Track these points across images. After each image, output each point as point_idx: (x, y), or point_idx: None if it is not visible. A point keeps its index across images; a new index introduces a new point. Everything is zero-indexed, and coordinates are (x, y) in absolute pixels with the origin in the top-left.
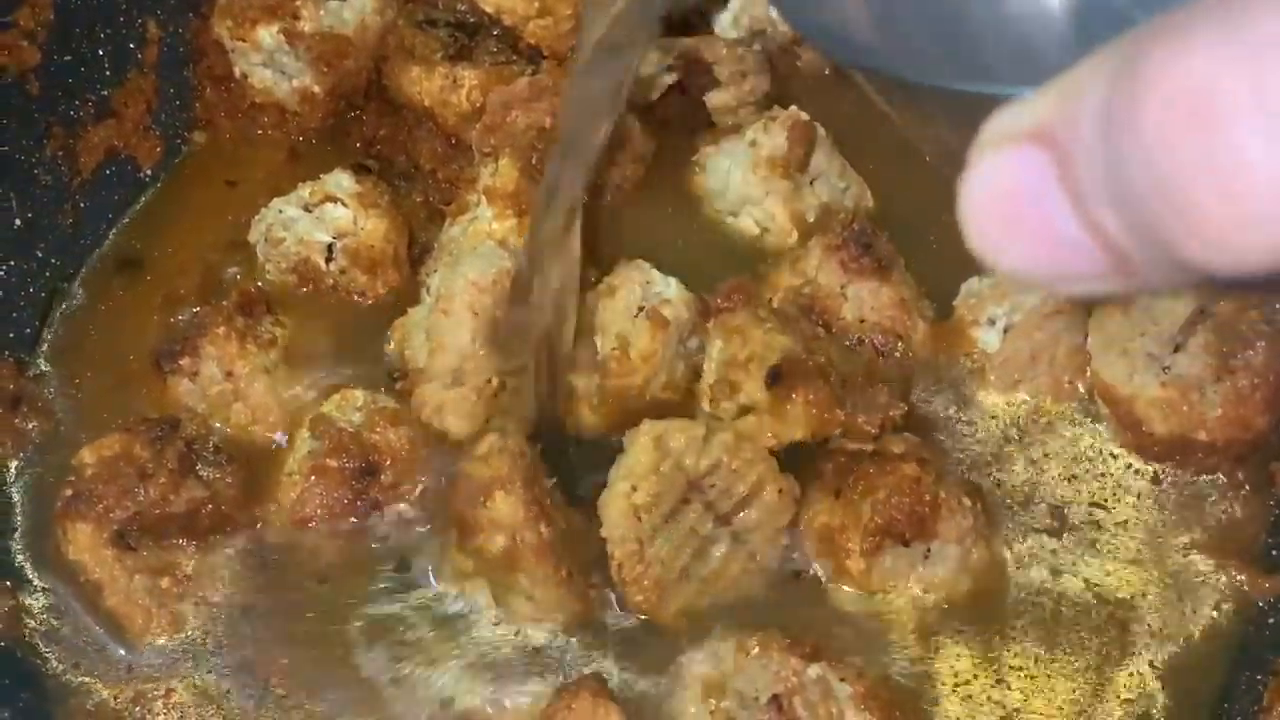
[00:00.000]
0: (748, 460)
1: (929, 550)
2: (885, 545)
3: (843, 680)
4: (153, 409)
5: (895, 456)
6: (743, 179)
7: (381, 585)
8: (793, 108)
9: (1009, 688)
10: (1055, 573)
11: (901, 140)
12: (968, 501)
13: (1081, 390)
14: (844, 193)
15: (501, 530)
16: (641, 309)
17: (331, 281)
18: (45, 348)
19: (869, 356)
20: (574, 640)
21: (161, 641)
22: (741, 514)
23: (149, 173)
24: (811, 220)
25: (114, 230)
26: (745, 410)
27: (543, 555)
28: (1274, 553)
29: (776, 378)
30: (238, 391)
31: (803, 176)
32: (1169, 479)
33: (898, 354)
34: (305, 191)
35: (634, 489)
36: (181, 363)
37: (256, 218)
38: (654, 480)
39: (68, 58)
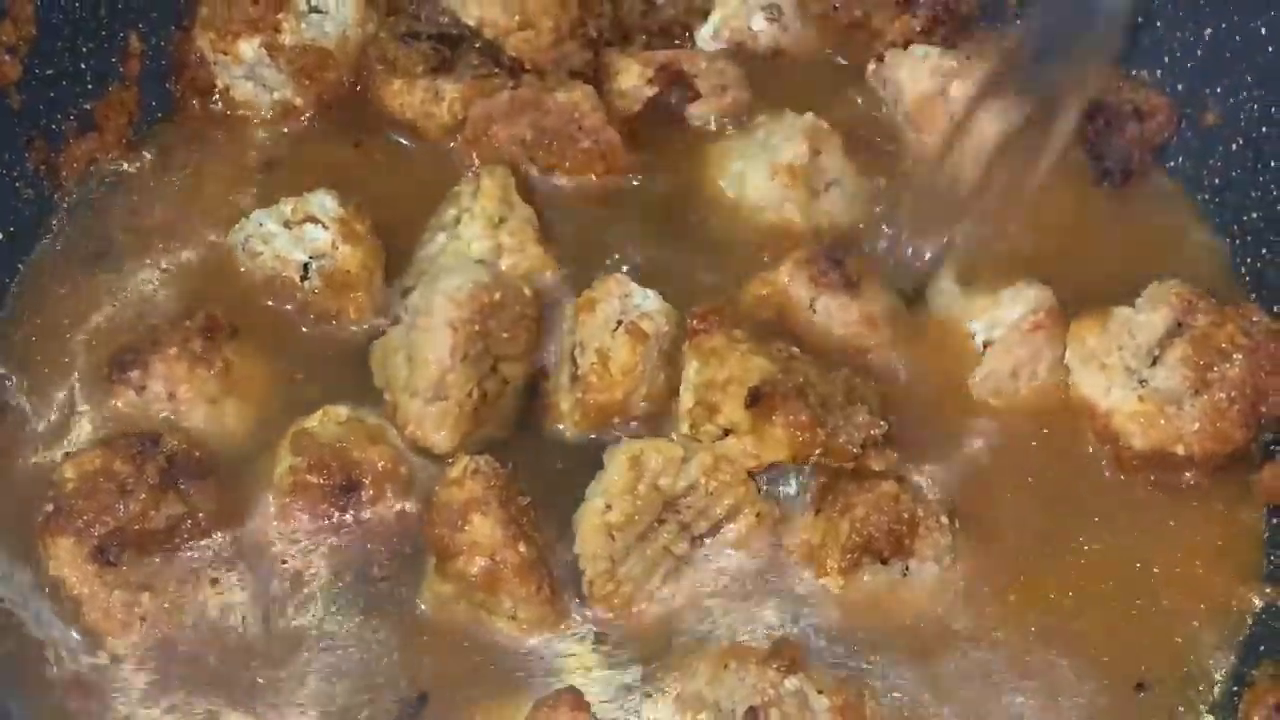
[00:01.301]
0: (725, 482)
1: (907, 568)
2: (863, 562)
3: (820, 693)
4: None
5: (874, 474)
6: (762, 184)
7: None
8: (808, 114)
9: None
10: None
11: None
12: (946, 520)
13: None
14: (853, 199)
15: (481, 552)
16: (620, 323)
17: (304, 301)
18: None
19: (846, 375)
20: (551, 651)
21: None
22: (717, 535)
23: (129, 180)
24: (826, 226)
25: (91, 232)
26: (725, 432)
27: (524, 574)
28: (1252, 564)
29: (756, 399)
30: (177, 414)
31: (819, 182)
32: (1148, 493)
33: (874, 373)
34: (287, 208)
35: (609, 507)
36: (130, 375)
37: (236, 227)
38: (629, 500)
39: (49, 71)
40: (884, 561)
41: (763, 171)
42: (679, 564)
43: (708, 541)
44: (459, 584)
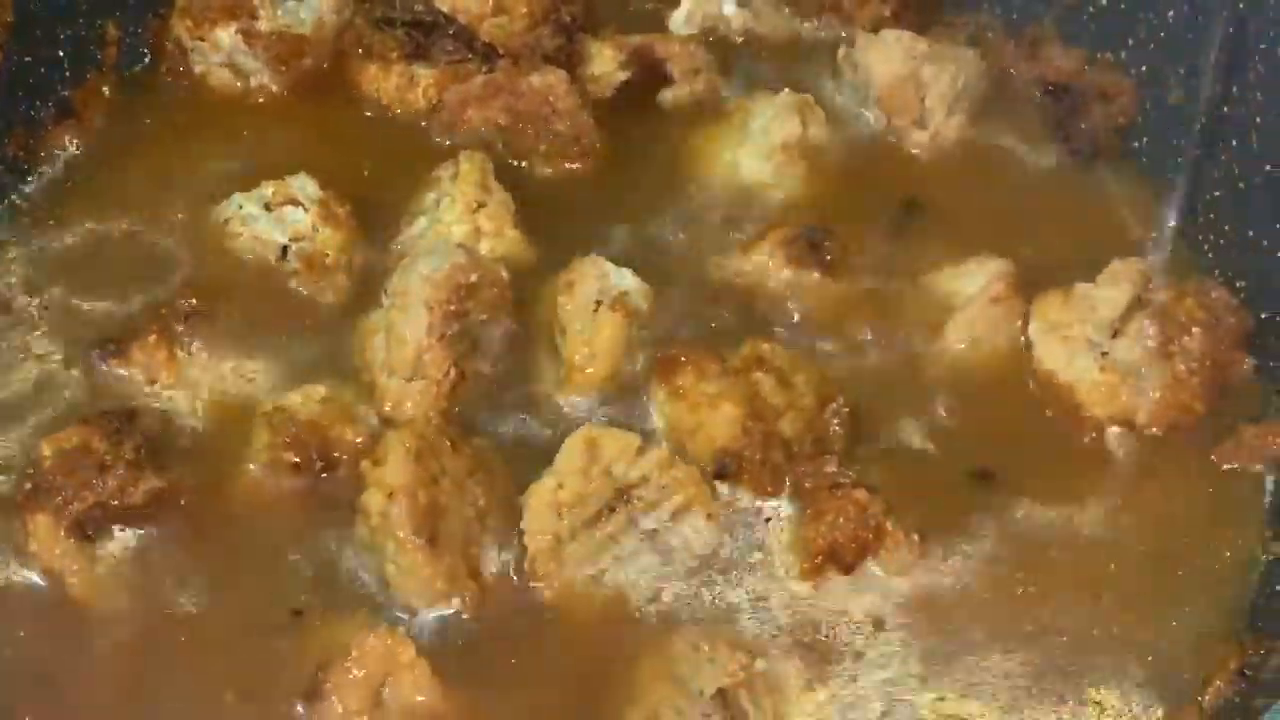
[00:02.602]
0: (678, 479)
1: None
2: (826, 569)
3: (790, 676)
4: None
5: (847, 483)
6: (758, 167)
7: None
8: (785, 91)
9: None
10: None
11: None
12: (916, 537)
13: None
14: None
15: (381, 488)
16: (600, 302)
17: (284, 281)
18: None
19: (817, 380)
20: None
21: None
22: (666, 532)
23: (107, 165)
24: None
25: (69, 217)
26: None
27: (407, 522)
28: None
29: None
30: (156, 396)
31: (812, 153)
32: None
33: (842, 415)
34: (268, 190)
35: (560, 486)
36: (110, 362)
37: (215, 209)
38: (580, 481)
39: (28, 59)
40: (847, 571)
41: (758, 156)
42: (625, 556)
43: (656, 538)
44: (365, 525)
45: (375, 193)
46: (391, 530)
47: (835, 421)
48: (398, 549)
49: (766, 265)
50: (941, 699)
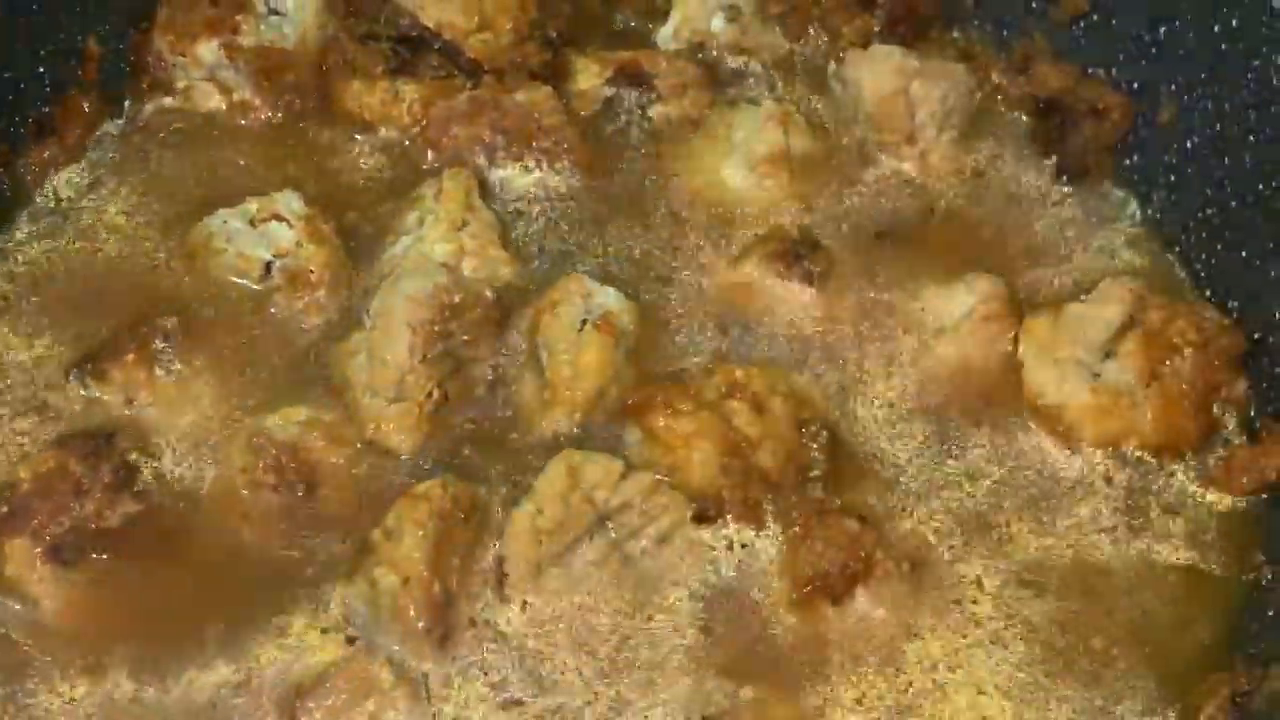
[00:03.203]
0: (662, 505)
1: (856, 606)
2: (816, 600)
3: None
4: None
5: (839, 512)
6: (743, 180)
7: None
8: (767, 101)
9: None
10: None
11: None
12: (907, 568)
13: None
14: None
15: (397, 570)
16: (585, 322)
17: (265, 299)
18: None
19: (792, 444)
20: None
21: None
22: (650, 557)
23: (89, 181)
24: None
25: (51, 232)
26: None
27: (422, 610)
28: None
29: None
30: (135, 415)
31: (795, 161)
32: (1107, 485)
33: (821, 439)
34: (253, 206)
35: (540, 511)
36: (89, 382)
37: (199, 225)
38: (560, 507)
39: (7, 74)
40: (836, 602)
41: (742, 167)
42: (607, 583)
43: (638, 564)
44: (370, 589)
45: (358, 210)
46: (403, 620)
47: (814, 446)
48: (405, 634)
49: (752, 278)
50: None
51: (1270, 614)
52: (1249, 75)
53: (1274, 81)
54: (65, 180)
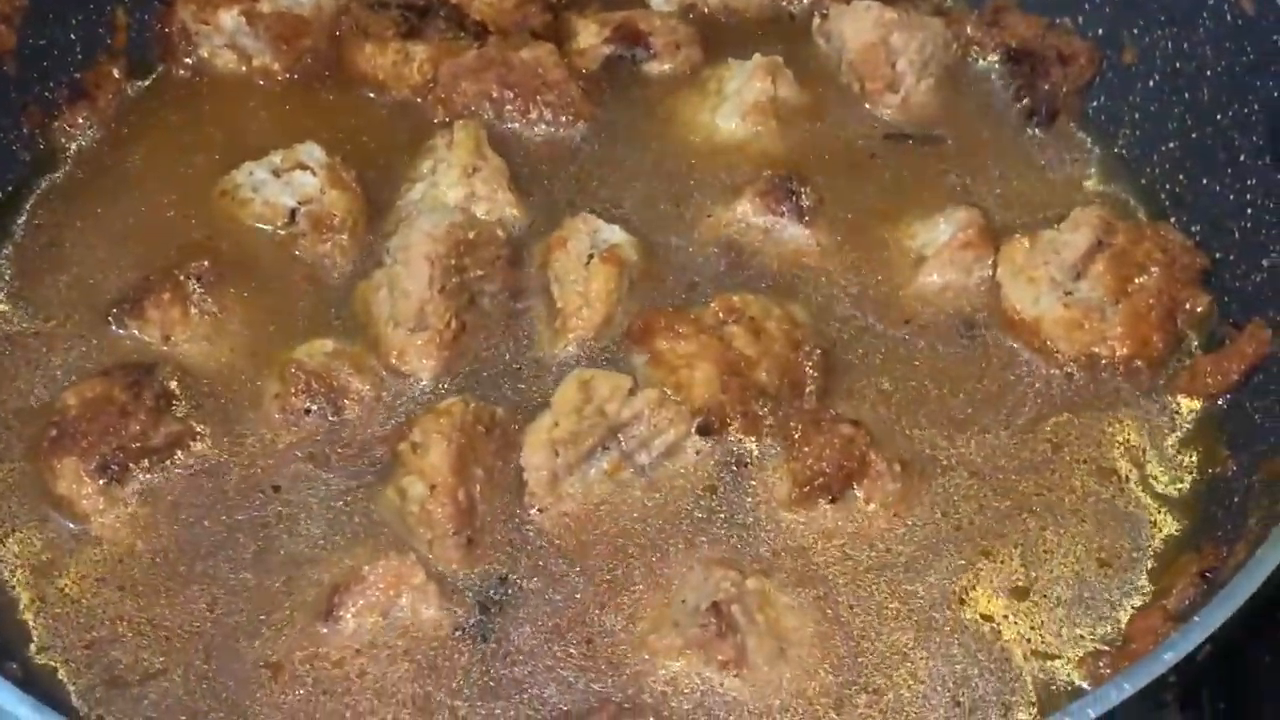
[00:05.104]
0: (668, 418)
1: (849, 502)
2: (814, 497)
3: (781, 592)
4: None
5: (834, 417)
6: (734, 128)
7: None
8: (756, 55)
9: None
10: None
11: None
12: (898, 468)
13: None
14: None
15: (425, 478)
16: (592, 255)
17: (292, 244)
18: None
19: (788, 362)
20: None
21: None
22: (658, 466)
23: (121, 142)
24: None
25: (88, 185)
26: None
27: (451, 516)
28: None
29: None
30: (172, 351)
31: (784, 110)
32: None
33: (815, 358)
34: (277, 158)
35: (556, 424)
36: (126, 321)
37: (225, 178)
38: (574, 419)
39: (41, 42)
40: (833, 501)
41: (733, 115)
42: (621, 490)
43: (650, 473)
44: (400, 498)
45: (375, 166)
46: (431, 524)
47: (809, 365)
48: (436, 542)
49: (747, 215)
50: None
51: (1235, 500)
52: (1203, 15)
53: (1227, 18)
54: (97, 140)
